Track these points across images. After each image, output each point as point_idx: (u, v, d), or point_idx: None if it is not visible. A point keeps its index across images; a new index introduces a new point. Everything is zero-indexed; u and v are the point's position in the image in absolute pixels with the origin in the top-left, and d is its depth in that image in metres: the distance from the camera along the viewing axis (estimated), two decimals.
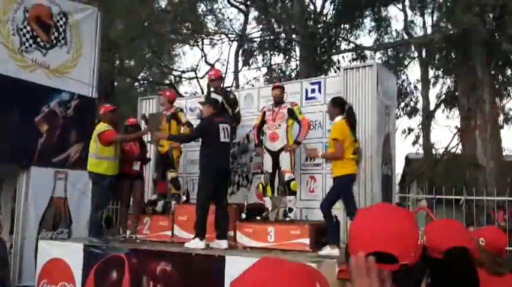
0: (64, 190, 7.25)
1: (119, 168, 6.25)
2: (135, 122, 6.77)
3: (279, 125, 5.84)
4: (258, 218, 5.81)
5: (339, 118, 4.88)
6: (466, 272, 1.66)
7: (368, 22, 16.21)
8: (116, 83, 15.01)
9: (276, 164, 5.86)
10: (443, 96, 17.17)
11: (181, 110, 6.76)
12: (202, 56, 17.36)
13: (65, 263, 5.82)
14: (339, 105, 4.92)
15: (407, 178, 19.14)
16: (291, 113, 5.84)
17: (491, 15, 10.71)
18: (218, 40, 17.10)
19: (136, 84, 18.37)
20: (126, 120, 6.84)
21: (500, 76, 14.17)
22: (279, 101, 5.96)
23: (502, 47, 11.17)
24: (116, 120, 6.47)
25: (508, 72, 14.26)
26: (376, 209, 1.28)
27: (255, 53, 16.95)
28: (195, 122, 6.40)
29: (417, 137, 17.97)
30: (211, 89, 6.69)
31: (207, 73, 17.46)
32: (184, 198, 6.54)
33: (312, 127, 6.35)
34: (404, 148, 46.80)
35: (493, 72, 12.63)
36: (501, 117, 14.93)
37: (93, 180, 6.20)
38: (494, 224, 8.06)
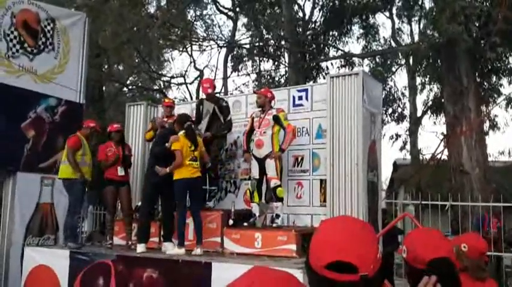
0: (51, 196, 7.22)
1: (105, 173, 6.29)
2: (118, 128, 6.59)
3: (264, 132, 5.86)
4: (245, 224, 5.84)
5: (180, 133, 5.68)
6: (451, 282, 1.66)
7: (356, 29, 16.37)
8: (104, 89, 14.95)
9: (263, 170, 5.89)
10: (430, 102, 17.38)
11: None
12: (191, 62, 17.35)
13: (51, 269, 5.80)
14: (180, 123, 5.80)
15: (395, 183, 19.29)
16: (277, 120, 5.86)
17: (476, 24, 10.87)
18: (207, 46, 17.14)
19: (125, 89, 18.31)
20: (110, 126, 6.70)
21: (485, 83, 14.38)
22: (260, 107, 6.03)
23: (486, 55, 11.33)
24: (89, 138, 6.44)
25: (493, 79, 14.47)
26: (338, 221, 1.31)
27: (244, 59, 16.99)
28: None
29: (404, 143, 18.19)
30: (204, 97, 6.69)
31: (196, 79, 17.48)
32: None
33: (299, 134, 6.40)
34: (392, 153, 47.22)
35: (478, 79, 12.81)
36: (487, 124, 15.14)
37: (65, 186, 6.19)
38: (485, 229, 8.13)
